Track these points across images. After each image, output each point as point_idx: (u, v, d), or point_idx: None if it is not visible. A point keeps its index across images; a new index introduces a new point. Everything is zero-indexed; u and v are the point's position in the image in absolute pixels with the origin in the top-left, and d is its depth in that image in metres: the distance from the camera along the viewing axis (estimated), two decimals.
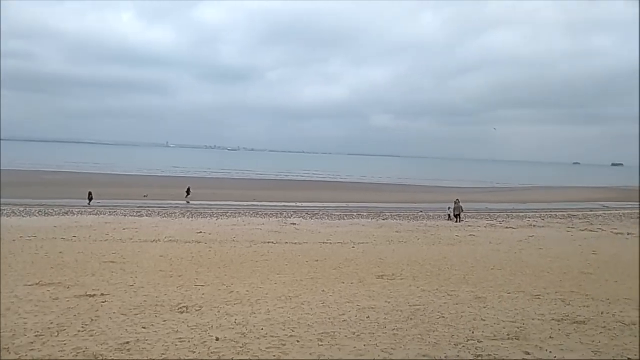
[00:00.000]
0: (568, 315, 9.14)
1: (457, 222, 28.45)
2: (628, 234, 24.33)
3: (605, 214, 35.95)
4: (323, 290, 11.01)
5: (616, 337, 7.95)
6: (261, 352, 6.90)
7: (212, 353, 6.83)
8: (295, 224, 25.06)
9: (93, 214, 26.91)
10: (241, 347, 7.06)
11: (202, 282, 11.62)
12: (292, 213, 30.75)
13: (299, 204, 38.12)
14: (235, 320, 8.45)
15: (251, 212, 30.40)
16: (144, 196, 39.68)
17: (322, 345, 7.26)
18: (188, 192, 40.77)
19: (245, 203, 37.52)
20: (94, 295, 10.01)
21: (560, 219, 31.45)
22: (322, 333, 7.81)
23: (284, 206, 36.03)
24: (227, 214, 28.85)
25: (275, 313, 9.00)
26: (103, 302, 9.50)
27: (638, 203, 43.11)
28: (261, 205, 36.11)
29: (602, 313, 9.41)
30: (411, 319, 8.78)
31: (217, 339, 7.37)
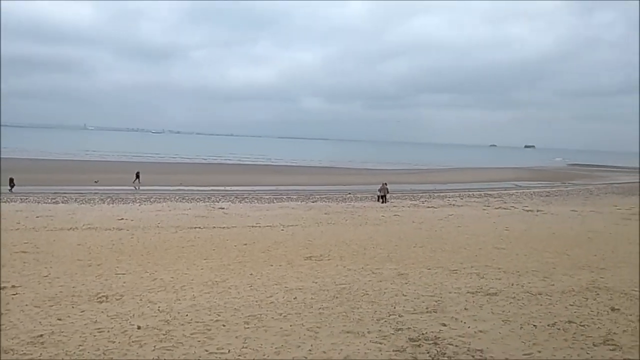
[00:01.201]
0: (481, 288, 9.75)
1: (382, 202, 29.37)
2: (537, 210, 26.27)
3: (517, 192, 38.56)
4: (251, 274, 10.98)
5: (524, 306, 8.59)
6: (185, 338, 6.79)
7: (133, 342, 6.63)
8: (223, 208, 24.70)
9: (2, 202, 24.98)
10: (164, 334, 6.90)
11: (123, 270, 11.18)
12: (221, 197, 30.26)
13: (227, 188, 37.53)
14: (159, 307, 8.24)
15: (177, 197, 29.55)
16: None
17: (248, 327, 7.27)
18: (137, 176, 38.36)
19: (170, 187, 36.34)
20: (4, 287, 9.33)
21: (477, 197, 33.36)
22: (249, 316, 7.81)
23: (212, 190, 35.33)
24: (151, 199, 27.85)
25: (201, 298, 8.87)
26: (14, 295, 8.90)
27: (547, 182, 46.54)
28: (188, 190, 35.17)
29: (512, 284, 10.12)
30: (337, 297, 8.99)
31: (139, 327, 7.16)
